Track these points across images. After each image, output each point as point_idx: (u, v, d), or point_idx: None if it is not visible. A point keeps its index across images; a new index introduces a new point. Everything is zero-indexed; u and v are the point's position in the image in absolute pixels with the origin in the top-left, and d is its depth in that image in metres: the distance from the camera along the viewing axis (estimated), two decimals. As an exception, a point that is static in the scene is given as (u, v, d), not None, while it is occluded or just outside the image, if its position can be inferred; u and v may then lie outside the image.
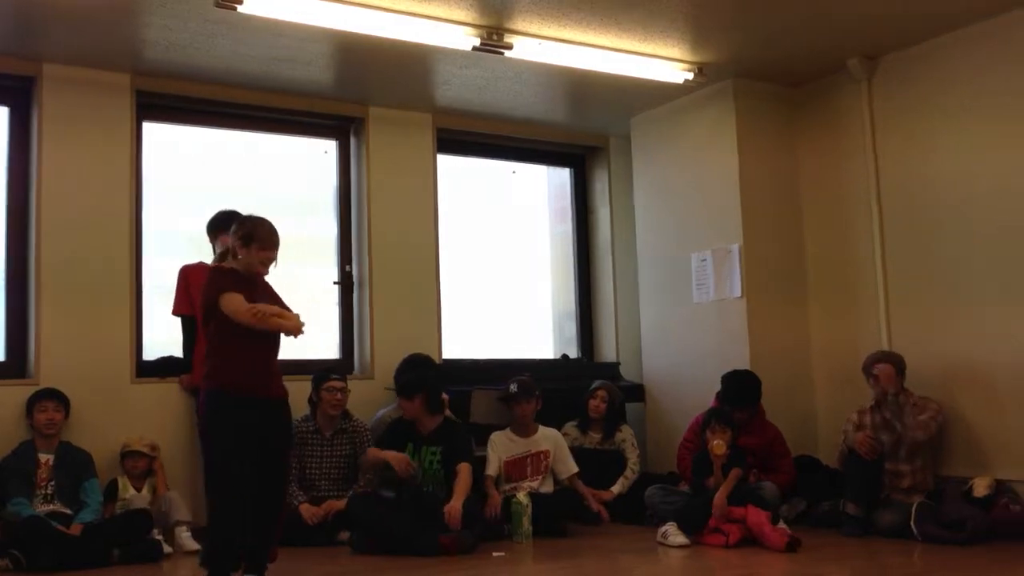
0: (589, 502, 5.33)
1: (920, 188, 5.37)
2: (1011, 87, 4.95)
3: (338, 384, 5.18)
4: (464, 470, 4.83)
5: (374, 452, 5.01)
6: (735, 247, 5.81)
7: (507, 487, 5.20)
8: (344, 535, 4.83)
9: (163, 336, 5.47)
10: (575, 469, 5.37)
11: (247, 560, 3.70)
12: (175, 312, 5.20)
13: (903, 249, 5.45)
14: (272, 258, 3.81)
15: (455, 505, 4.64)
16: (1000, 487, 4.78)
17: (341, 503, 4.92)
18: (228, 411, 3.66)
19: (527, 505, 4.85)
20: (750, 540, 4.57)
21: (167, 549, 4.62)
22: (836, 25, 5.09)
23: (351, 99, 6.05)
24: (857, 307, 5.68)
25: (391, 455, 4.90)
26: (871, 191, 5.59)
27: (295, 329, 3.72)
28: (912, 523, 4.62)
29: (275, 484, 3.78)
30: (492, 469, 5.23)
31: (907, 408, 4.98)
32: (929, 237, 5.31)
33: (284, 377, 5.34)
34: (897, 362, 5.07)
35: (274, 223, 3.88)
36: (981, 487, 4.78)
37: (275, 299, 3.87)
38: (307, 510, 4.90)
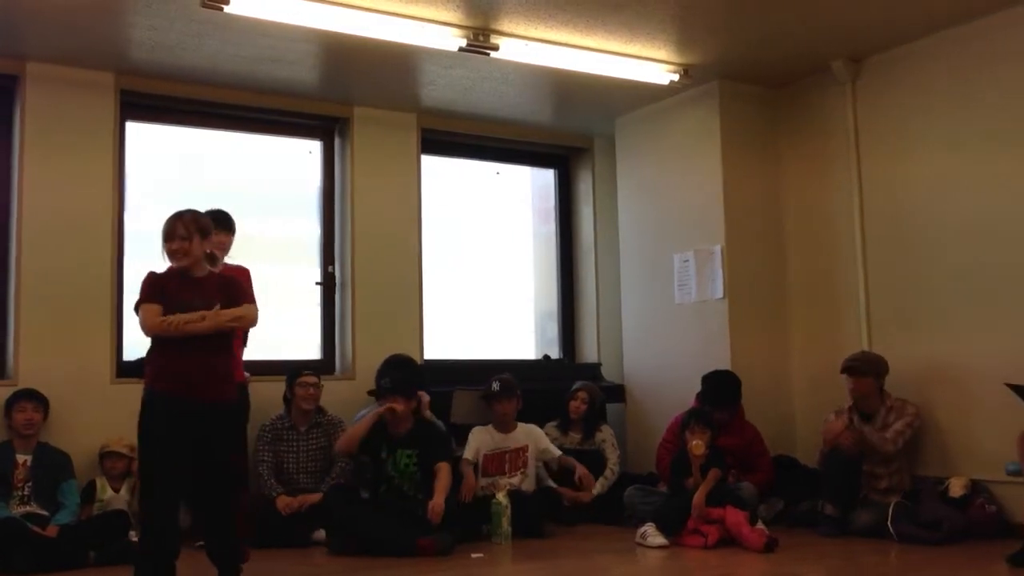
0: (582, 476, 5.35)
1: (903, 190, 5.39)
2: (996, 89, 4.96)
3: (311, 379, 5.24)
4: (443, 469, 4.83)
5: (351, 431, 4.96)
6: (717, 248, 5.84)
7: (485, 483, 5.21)
8: (319, 534, 4.84)
9: (144, 336, 5.44)
10: (558, 452, 5.43)
11: (217, 564, 3.69)
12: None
13: (884, 252, 5.47)
14: (172, 250, 3.61)
15: (437, 501, 4.64)
16: (976, 487, 4.81)
17: (315, 496, 4.94)
18: (160, 415, 3.55)
19: (506, 506, 4.86)
20: (728, 540, 4.58)
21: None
22: (821, 27, 5.12)
23: (336, 99, 6.05)
24: (838, 309, 5.70)
25: (384, 408, 4.87)
26: (854, 193, 5.62)
27: (209, 329, 3.54)
28: (889, 523, 4.66)
29: (219, 489, 3.64)
30: (470, 454, 5.25)
31: (879, 417, 5.01)
32: (910, 241, 5.34)
33: (264, 377, 5.35)
34: (871, 370, 5.05)
35: (202, 211, 3.69)
36: (957, 487, 4.81)
37: (226, 293, 3.65)
38: (282, 501, 4.94)
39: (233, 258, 4.99)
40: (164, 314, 3.54)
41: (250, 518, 4.54)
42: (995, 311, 4.92)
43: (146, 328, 3.57)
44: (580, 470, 5.37)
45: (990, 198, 4.97)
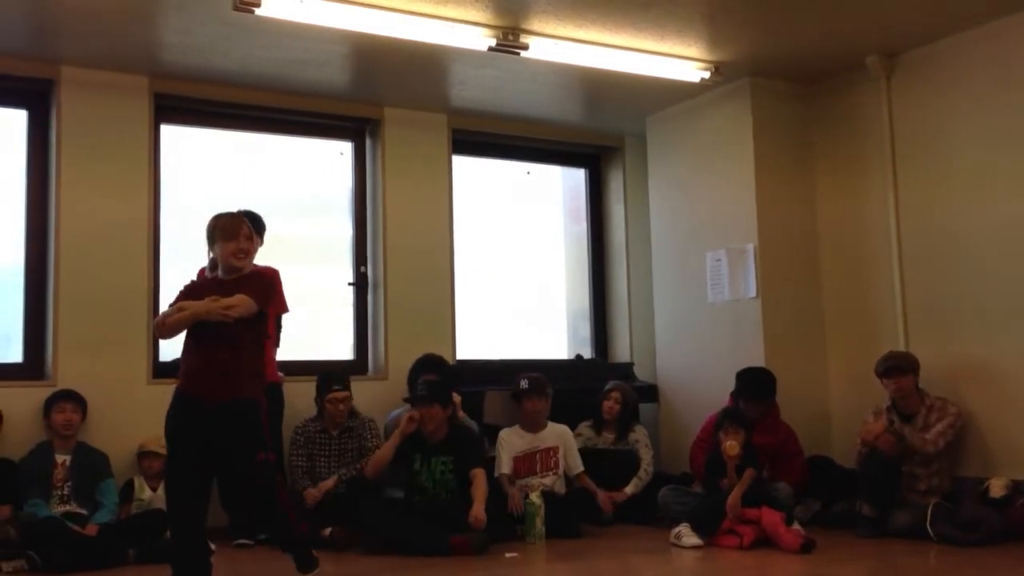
0: (597, 496, 5.31)
1: (939, 188, 5.31)
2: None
3: (340, 395, 5.20)
4: (479, 475, 4.81)
5: (377, 456, 4.94)
6: (750, 247, 5.80)
7: (517, 484, 5.18)
8: (327, 531, 4.81)
9: (180, 337, 5.49)
10: (581, 467, 5.38)
11: (294, 558, 3.69)
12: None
13: (921, 250, 5.40)
14: (241, 249, 3.61)
15: (478, 509, 4.62)
16: (1017, 487, 4.73)
17: (330, 481, 5.02)
18: (177, 415, 3.59)
19: (540, 506, 4.85)
20: (764, 541, 4.55)
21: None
22: (855, 22, 5.05)
23: (367, 100, 6.07)
24: (874, 307, 5.64)
25: (402, 422, 4.88)
26: (889, 191, 5.54)
27: (201, 314, 3.49)
28: (927, 524, 4.60)
29: (244, 487, 3.65)
30: (505, 467, 5.22)
31: (919, 417, 4.95)
32: (947, 239, 5.26)
33: (297, 377, 5.36)
34: (910, 367, 4.98)
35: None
36: (997, 488, 4.73)
37: (255, 292, 3.60)
38: (309, 495, 4.99)
39: (267, 260, 5.03)
40: None
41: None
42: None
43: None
44: (601, 496, 5.33)
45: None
